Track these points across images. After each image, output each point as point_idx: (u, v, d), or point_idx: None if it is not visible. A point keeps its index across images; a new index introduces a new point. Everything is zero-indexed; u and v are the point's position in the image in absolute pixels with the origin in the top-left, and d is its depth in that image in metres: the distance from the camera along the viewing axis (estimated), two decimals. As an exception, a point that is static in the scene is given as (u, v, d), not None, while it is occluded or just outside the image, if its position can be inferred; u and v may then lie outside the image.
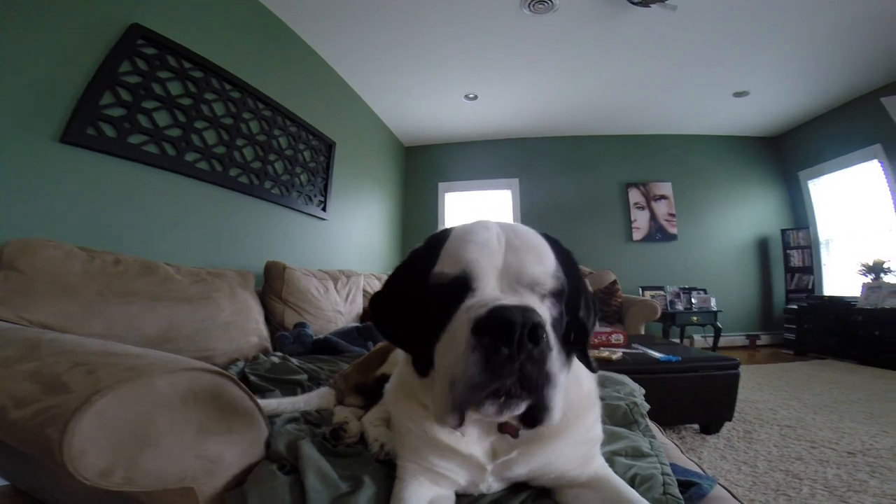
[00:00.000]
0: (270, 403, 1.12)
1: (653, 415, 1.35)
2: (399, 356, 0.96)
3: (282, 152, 2.89)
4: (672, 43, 3.49)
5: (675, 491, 0.71)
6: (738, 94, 4.41)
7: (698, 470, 0.90)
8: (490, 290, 0.56)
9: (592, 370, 0.68)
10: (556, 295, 0.60)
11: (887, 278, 4.02)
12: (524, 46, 3.51)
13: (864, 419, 2.24)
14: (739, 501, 0.75)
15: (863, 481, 1.53)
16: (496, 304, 0.51)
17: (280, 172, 2.88)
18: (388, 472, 0.75)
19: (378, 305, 0.71)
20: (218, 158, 2.33)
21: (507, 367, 0.48)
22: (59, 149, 1.62)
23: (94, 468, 0.55)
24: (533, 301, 0.56)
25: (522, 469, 0.69)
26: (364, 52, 3.53)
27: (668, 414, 2.08)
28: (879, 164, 4.22)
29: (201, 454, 0.65)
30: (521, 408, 0.52)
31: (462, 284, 0.57)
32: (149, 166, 1.95)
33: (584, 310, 0.69)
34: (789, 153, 5.35)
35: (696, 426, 2.22)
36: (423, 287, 0.61)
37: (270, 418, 0.96)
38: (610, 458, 0.82)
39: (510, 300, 0.54)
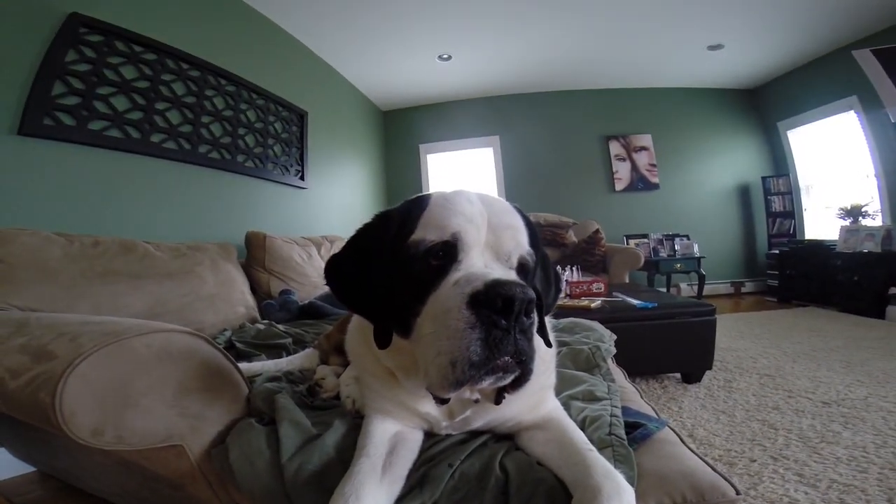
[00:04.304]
0: (253, 366, 1.20)
1: (634, 364, 1.36)
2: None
3: (251, 126, 2.88)
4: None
5: (620, 431, 0.74)
6: (712, 48, 4.39)
7: (652, 413, 0.93)
8: (476, 263, 0.57)
9: (548, 344, 0.69)
10: (527, 271, 0.63)
11: (865, 222, 4.14)
12: (495, 2, 3.41)
13: (840, 368, 2.27)
14: (685, 444, 0.77)
15: (836, 432, 1.55)
16: (491, 278, 0.52)
17: (252, 145, 2.88)
18: (359, 422, 0.76)
19: (337, 268, 0.68)
20: (185, 137, 2.34)
21: (506, 343, 0.50)
22: (18, 141, 1.65)
23: (85, 428, 0.60)
24: (511, 276, 0.58)
25: (479, 423, 0.74)
26: (328, 19, 3.43)
27: (649, 363, 2.14)
28: (856, 115, 4.31)
29: (184, 412, 0.70)
30: (510, 379, 0.54)
31: (447, 254, 0.58)
32: (114, 150, 1.98)
33: (545, 283, 0.72)
34: (768, 104, 5.40)
35: (678, 375, 2.25)
36: (397, 253, 0.60)
37: (251, 378, 1.04)
38: (566, 402, 0.86)
39: (500, 274, 0.55)
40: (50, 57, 1.75)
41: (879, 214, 4.17)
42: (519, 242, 0.62)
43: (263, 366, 1.21)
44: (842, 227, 4.21)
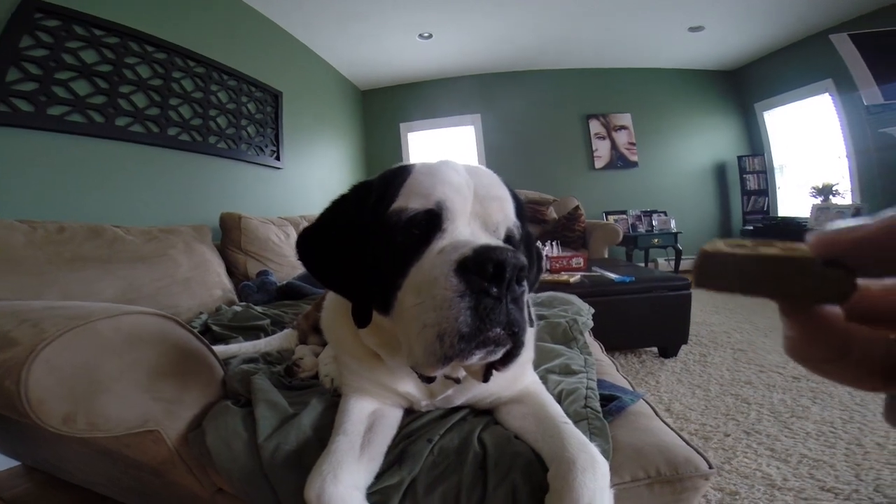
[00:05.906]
0: (230, 348, 1.18)
1: (612, 338, 1.35)
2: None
3: (223, 107, 2.79)
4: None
5: (595, 404, 0.75)
6: (693, 29, 4.39)
7: (627, 386, 0.93)
8: (462, 232, 0.54)
9: (530, 323, 0.64)
10: (514, 243, 0.60)
11: (835, 200, 4.26)
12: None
13: (809, 342, 2.37)
14: (660, 418, 0.77)
15: (805, 407, 1.61)
16: (479, 243, 0.49)
17: (224, 126, 2.80)
18: (336, 401, 0.75)
19: (310, 241, 0.64)
20: (152, 120, 2.26)
21: (498, 313, 0.46)
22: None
23: (55, 415, 0.58)
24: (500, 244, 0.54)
25: (460, 401, 0.74)
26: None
27: (627, 337, 2.18)
28: (830, 98, 4.41)
29: (158, 396, 0.69)
30: (501, 353, 0.50)
31: (431, 223, 0.54)
32: (77, 135, 1.90)
33: (527, 259, 0.71)
34: (745, 86, 5.46)
35: (655, 350, 2.30)
36: (377, 223, 0.57)
37: (227, 360, 1.02)
38: (543, 376, 0.87)
39: (489, 241, 0.53)
40: (3, 44, 1.67)
41: (849, 193, 4.29)
42: (507, 213, 0.60)
43: (240, 348, 1.19)
44: (813, 205, 4.34)
